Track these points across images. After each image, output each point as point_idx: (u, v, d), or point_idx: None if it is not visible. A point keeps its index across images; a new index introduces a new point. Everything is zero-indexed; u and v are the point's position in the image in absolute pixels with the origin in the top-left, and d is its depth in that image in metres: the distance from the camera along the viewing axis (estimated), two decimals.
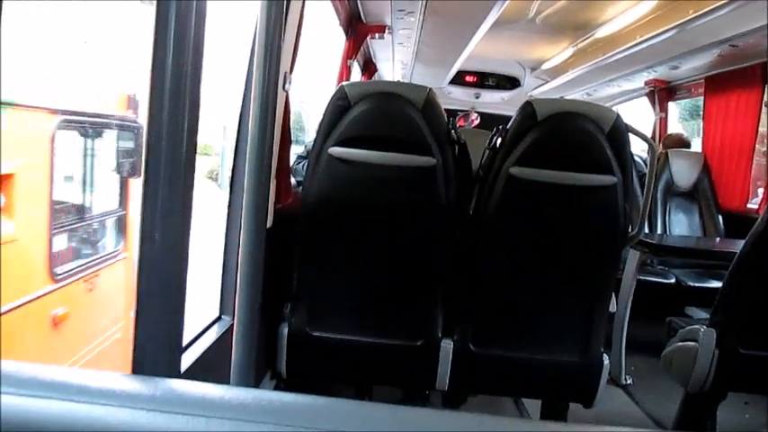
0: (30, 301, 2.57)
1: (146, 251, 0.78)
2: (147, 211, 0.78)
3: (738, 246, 2.19)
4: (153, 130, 0.78)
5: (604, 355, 2.09)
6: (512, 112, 2.03)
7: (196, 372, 1.64)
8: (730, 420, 2.60)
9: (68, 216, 3.11)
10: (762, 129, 3.93)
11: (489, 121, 6.03)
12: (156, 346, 0.79)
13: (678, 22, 3.15)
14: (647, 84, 4.98)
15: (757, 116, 3.92)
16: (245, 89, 1.99)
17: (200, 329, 1.93)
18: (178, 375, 0.87)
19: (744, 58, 3.78)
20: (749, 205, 4.01)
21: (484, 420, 0.52)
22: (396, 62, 5.14)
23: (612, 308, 2.12)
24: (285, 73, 2.08)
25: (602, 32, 4.10)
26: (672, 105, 5.08)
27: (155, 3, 0.78)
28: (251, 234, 1.54)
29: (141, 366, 0.79)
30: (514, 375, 2.10)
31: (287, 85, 2.12)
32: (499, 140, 1.95)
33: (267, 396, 0.54)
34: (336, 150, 1.89)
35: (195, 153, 0.81)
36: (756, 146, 3.97)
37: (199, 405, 0.49)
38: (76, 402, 0.47)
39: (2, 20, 0.65)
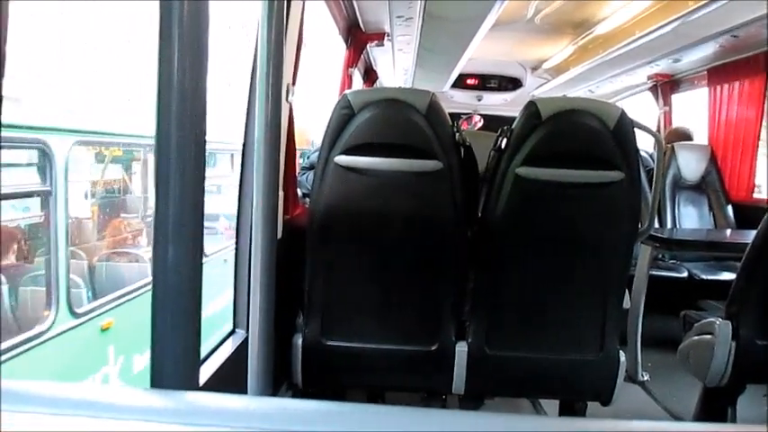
0: None
1: (159, 266, 0.79)
2: (159, 224, 0.79)
3: (750, 236, 2.18)
4: (161, 137, 0.78)
5: (620, 352, 2.08)
6: (514, 113, 2.03)
7: (213, 386, 1.65)
8: (750, 413, 2.58)
9: None
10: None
11: (492, 122, 6.03)
12: (174, 360, 0.80)
13: (678, 15, 3.15)
14: (649, 78, 4.96)
15: (762, 105, 3.90)
16: (249, 103, 2.00)
17: (215, 344, 1.94)
18: (197, 388, 0.87)
19: (746, 48, 3.77)
20: (755, 195, 3.99)
21: (502, 420, 0.52)
22: (397, 69, 5.16)
23: (626, 304, 2.11)
24: (288, 84, 2.10)
25: (601, 29, 4.10)
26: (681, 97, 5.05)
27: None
28: (262, 246, 1.55)
29: (160, 380, 0.79)
30: (531, 376, 2.09)
31: (290, 97, 2.13)
32: (504, 141, 1.95)
33: (288, 404, 0.54)
34: (342, 159, 1.89)
35: (204, 163, 0.82)
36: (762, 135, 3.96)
37: (220, 416, 0.50)
38: (101, 419, 0.47)
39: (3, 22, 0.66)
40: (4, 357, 3.05)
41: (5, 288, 3.36)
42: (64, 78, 4.34)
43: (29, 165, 3.45)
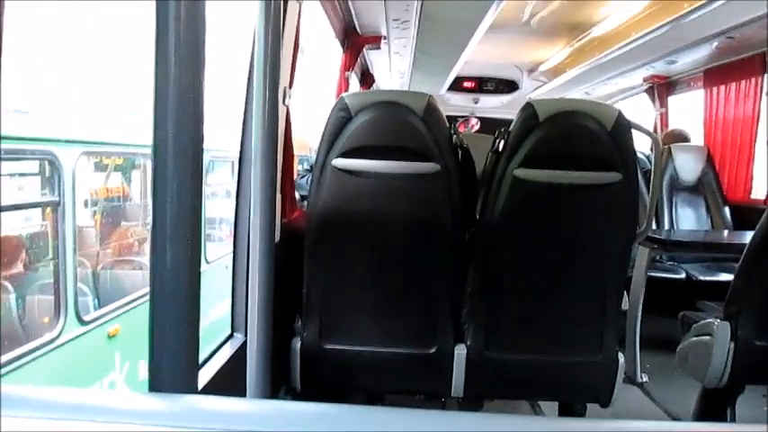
0: None
1: (157, 271, 0.79)
2: (157, 228, 0.79)
3: (747, 237, 2.18)
4: (158, 141, 0.78)
5: (619, 353, 2.07)
6: (511, 115, 2.03)
7: (211, 390, 1.64)
8: (749, 414, 2.58)
9: None
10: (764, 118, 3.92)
11: (489, 125, 6.04)
12: (172, 364, 0.79)
13: (673, 17, 3.16)
14: (645, 80, 4.98)
15: (758, 107, 3.92)
16: (246, 106, 2.00)
17: (213, 349, 1.94)
18: (195, 392, 0.87)
19: (742, 50, 3.79)
20: (752, 196, 4.00)
21: (501, 420, 0.52)
22: (393, 72, 5.16)
23: (624, 306, 2.11)
24: (285, 88, 2.10)
25: (597, 31, 4.11)
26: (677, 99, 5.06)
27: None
28: (260, 250, 1.54)
29: (159, 384, 0.79)
30: (530, 378, 2.09)
31: (287, 100, 2.13)
32: (502, 143, 1.95)
33: (287, 407, 0.54)
34: (340, 162, 1.89)
35: (201, 164, 0.82)
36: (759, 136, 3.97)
37: (219, 419, 0.50)
38: (100, 422, 0.47)
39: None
40: (15, 365, 3.09)
41: (13, 296, 3.39)
42: (68, 86, 4.37)
43: (37, 175, 3.53)
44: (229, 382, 1.75)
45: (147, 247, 4.92)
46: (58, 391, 0.53)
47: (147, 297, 0.80)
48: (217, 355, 1.88)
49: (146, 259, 4.72)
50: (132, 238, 4.95)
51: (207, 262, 4.44)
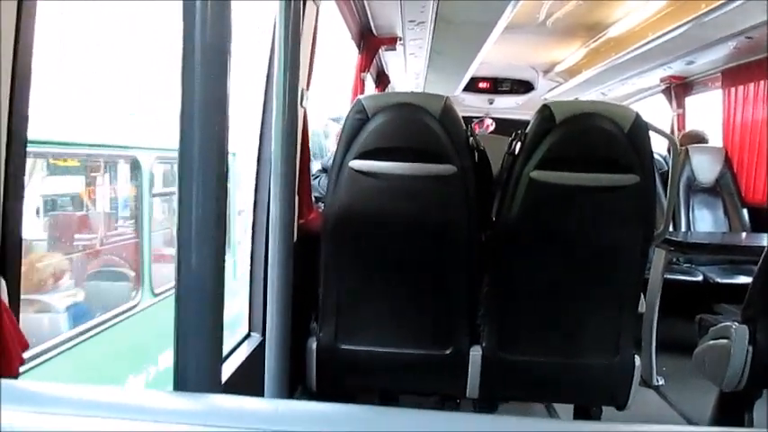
0: None
1: (183, 269, 0.80)
2: (182, 229, 0.80)
3: (765, 239, 2.16)
4: (184, 145, 0.80)
5: (635, 356, 2.07)
6: (526, 116, 2.03)
7: (229, 389, 1.66)
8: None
9: None
10: None
11: (504, 126, 6.02)
12: (197, 364, 0.81)
13: (691, 17, 3.13)
14: (662, 80, 4.94)
15: None
16: (264, 109, 2.02)
17: (230, 348, 1.96)
18: (219, 391, 0.88)
19: (760, 50, 3.73)
20: None
21: (515, 422, 0.53)
22: (408, 73, 5.17)
23: (641, 308, 2.10)
24: (302, 90, 2.11)
25: (613, 31, 4.08)
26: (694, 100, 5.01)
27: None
28: (279, 250, 1.56)
29: (184, 383, 0.80)
30: (545, 380, 2.08)
31: (304, 102, 2.14)
32: (518, 145, 1.96)
33: (306, 406, 0.55)
34: (357, 163, 1.90)
35: (226, 167, 0.83)
36: None
37: (240, 418, 0.51)
38: (125, 420, 0.48)
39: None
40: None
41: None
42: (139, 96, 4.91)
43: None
44: (247, 380, 1.77)
45: None
46: (83, 388, 0.54)
47: None
48: (234, 354, 1.90)
49: None
50: None
51: (153, 295, 4.42)
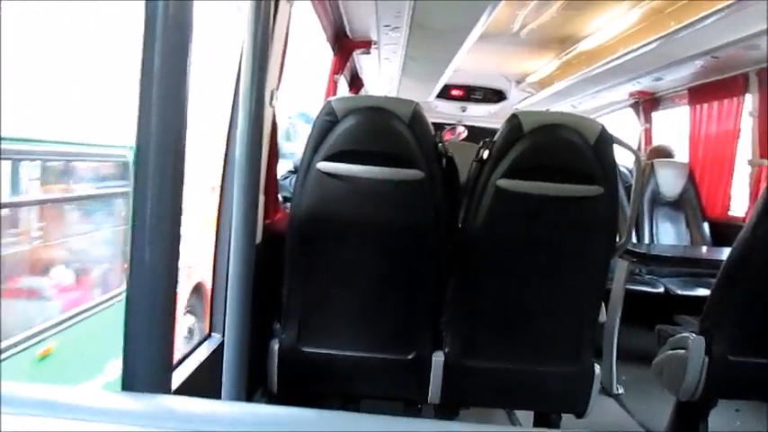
0: None
1: (135, 269, 0.78)
2: (136, 227, 0.79)
3: (725, 253, 2.21)
4: (141, 138, 0.78)
5: (596, 364, 2.09)
6: (498, 125, 2.05)
7: (186, 391, 1.63)
8: (722, 428, 2.61)
9: None
10: (745, 137, 3.98)
11: (476, 134, 6.06)
12: (146, 364, 0.79)
13: (660, 35, 3.20)
14: (631, 95, 5.04)
15: (738, 125, 3.98)
16: (233, 107, 2.00)
17: (189, 349, 1.92)
18: (168, 392, 0.86)
19: (726, 70, 3.84)
20: (730, 213, 4.06)
21: (475, 429, 0.53)
22: (382, 77, 5.17)
23: (602, 318, 2.13)
24: (272, 90, 2.10)
25: (586, 45, 4.15)
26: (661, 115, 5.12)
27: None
28: (241, 250, 1.54)
29: (132, 384, 0.78)
30: (506, 387, 2.10)
31: (273, 102, 2.13)
32: (486, 153, 1.97)
33: (259, 409, 0.54)
34: (324, 165, 1.89)
35: (183, 165, 0.82)
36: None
37: (190, 420, 0.50)
38: (70, 420, 0.47)
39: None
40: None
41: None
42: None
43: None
44: (205, 383, 1.74)
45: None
46: (28, 387, 0.52)
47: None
48: (193, 355, 1.87)
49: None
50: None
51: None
